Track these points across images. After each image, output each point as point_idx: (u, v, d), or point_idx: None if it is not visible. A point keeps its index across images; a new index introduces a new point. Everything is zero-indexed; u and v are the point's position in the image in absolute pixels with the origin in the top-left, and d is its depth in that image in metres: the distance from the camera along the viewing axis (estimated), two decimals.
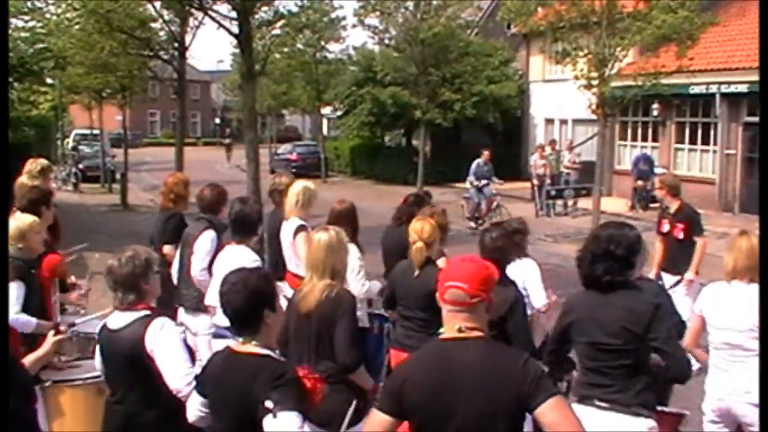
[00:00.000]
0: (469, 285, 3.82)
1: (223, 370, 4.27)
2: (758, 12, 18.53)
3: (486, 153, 25.12)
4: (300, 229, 7.92)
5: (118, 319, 4.96)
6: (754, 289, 5.87)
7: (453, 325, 3.84)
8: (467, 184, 25.50)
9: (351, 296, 5.71)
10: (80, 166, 37.71)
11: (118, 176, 32.61)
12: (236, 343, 4.34)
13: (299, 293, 5.65)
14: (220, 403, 4.26)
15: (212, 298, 7.00)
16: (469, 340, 3.80)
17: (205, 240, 7.66)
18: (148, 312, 4.94)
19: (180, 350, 4.85)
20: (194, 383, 4.56)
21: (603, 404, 5.06)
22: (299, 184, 8.41)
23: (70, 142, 45.31)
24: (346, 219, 7.70)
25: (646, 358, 5.08)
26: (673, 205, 10.66)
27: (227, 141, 52.85)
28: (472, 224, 23.69)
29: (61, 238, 8.68)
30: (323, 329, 5.46)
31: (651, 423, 5.05)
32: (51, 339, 5.40)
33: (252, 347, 4.22)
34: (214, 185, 8.35)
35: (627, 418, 5.01)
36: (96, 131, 38.70)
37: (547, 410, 3.63)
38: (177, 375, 4.74)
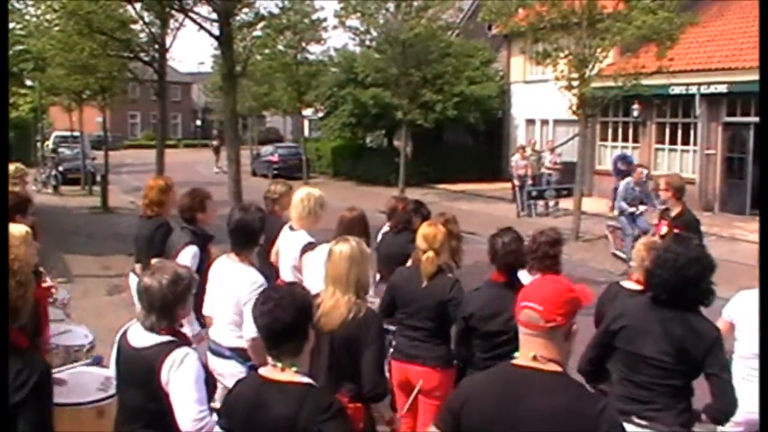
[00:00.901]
0: (545, 307, 3.48)
1: (258, 402, 3.91)
2: (758, 11, 18.54)
3: (639, 170, 20.02)
4: (308, 247, 7.48)
5: (142, 338, 4.65)
6: None
7: (528, 350, 3.52)
8: (615, 212, 21.27)
9: (379, 319, 5.50)
10: (60, 168, 37.44)
11: (98, 178, 32.37)
12: (266, 370, 4.01)
13: (320, 309, 5.19)
14: None
15: (208, 309, 6.75)
16: (544, 373, 3.47)
17: (185, 257, 7.19)
18: (172, 338, 4.61)
19: (195, 389, 4.49)
20: (214, 419, 4.32)
21: (642, 422, 4.90)
22: (302, 191, 7.90)
23: (50, 144, 45.02)
24: (358, 228, 7.24)
25: (691, 382, 4.95)
26: (676, 209, 10.47)
27: (215, 143, 50.64)
28: (626, 261, 17.49)
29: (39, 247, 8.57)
30: (345, 350, 5.19)
31: None
32: None
33: (290, 375, 3.90)
34: (194, 191, 8.00)
35: None
36: (76, 133, 38.45)
37: None
38: (188, 417, 4.44)
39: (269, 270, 7.78)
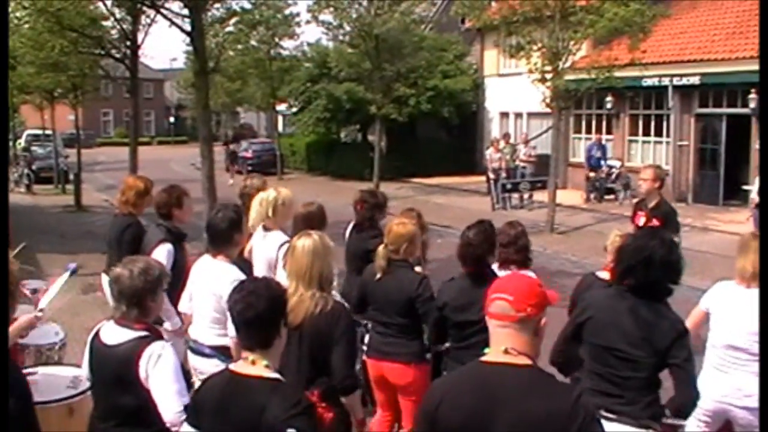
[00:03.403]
0: (516, 297, 3.50)
1: (226, 396, 3.91)
2: (759, 11, 18.63)
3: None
4: (285, 245, 7.23)
5: (114, 334, 4.66)
6: None
7: (499, 344, 3.50)
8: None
9: (347, 311, 5.45)
10: (33, 167, 37.15)
11: (71, 177, 32.14)
12: (237, 365, 4.03)
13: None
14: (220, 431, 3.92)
15: (185, 305, 6.76)
16: (515, 367, 3.45)
17: (160, 255, 7.10)
18: (146, 333, 4.62)
19: (175, 381, 4.51)
20: (182, 425, 4.27)
21: (610, 415, 4.86)
22: (271, 192, 7.79)
23: (21, 143, 44.68)
24: (315, 222, 7.20)
25: (658, 373, 4.93)
26: (654, 200, 10.34)
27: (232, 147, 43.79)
28: None
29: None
30: (314, 344, 5.17)
31: None
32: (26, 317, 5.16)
33: (260, 369, 3.89)
34: (172, 187, 8.01)
35: (635, 430, 4.88)
36: (48, 131, 38.17)
37: None
38: (170, 410, 4.43)
39: (245, 266, 7.75)
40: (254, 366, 3.90)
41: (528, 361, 3.48)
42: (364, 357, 6.90)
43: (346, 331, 5.22)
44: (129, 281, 4.58)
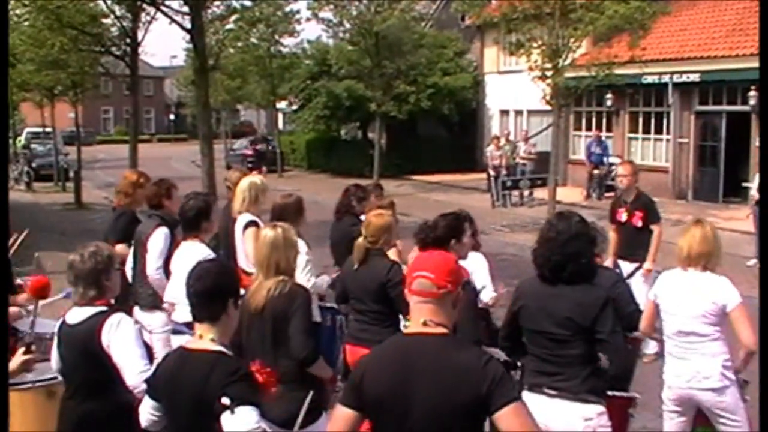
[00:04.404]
0: (437, 275, 3.71)
1: (177, 369, 4.18)
2: (759, 10, 18.63)
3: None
4: (249, 224, 7.82)
5: (77, 315, 4.95)
6: (707, 276, 5.95)
7: (419, 318, 3.73)
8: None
9: (304, 290, 5.59)
10: (33, 164, 37.22)
11: (71, 174, 32.15)
12: (189, 341, 4.32)
13: (248, 291, 5.48)
14: (174, 403, 4.17)
15: (170, 295, 6.93)
16: (430, 336, 3.68)
17: (158, 238, 7.56)
18: (105, 308, 4.93)
19: (136, 347, 4.83)
20: (145, 387, 4.46)
21: (551, 392, 5.11)
22: (245, 180, 8.29)
23: (21, 141, 44.68)
24: (290, 213, 7.36)
25: (593, 348, 5.10)
26: (632, 194, 10.51)
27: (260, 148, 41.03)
28: None
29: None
30: (279, 327, 5.33)
31: (600, 408, 5.11)
32: (20, 357, 5.20)
33: (206, 343, 4.14)
34: (160, 180, 8.34)
35: (575, 405, 5.06)
36: (48, 129, 38.21)
37: (505, 416, 3.52)
38: (133, 372, 4.73)
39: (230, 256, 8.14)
40: (201, 340, 4.18)
41: (444, 331, 3.71)
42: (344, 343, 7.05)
43: (300, 306, 5.37)
44: (81, 264, 4.91)
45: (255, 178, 8.47)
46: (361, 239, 6.82)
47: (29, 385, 5.72)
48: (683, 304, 5.99)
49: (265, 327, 5.35)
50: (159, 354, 5.59)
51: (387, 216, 6.98)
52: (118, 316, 4.87)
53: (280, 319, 5.33)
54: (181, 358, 4.23)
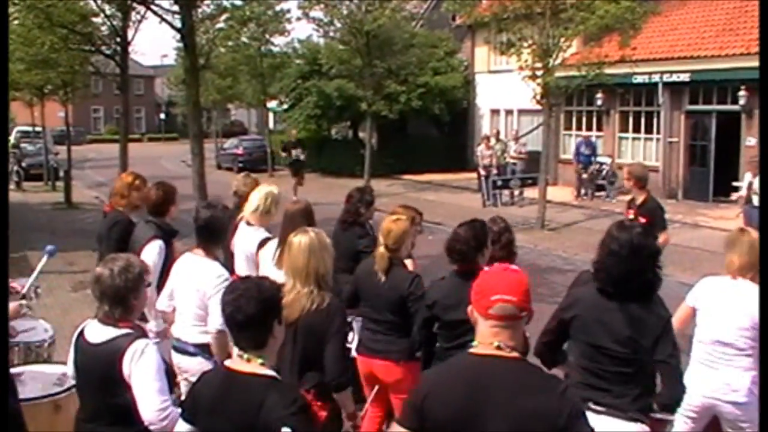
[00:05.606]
0: (518, 297, 3.49)
1: (222, 393, 3.87)
2: (758, 9, 18.63)
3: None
4: (265, 242, 7.51)
5: (98, 333, 4.61)
6: (755, 288, 5.82)
7: (492, 340, 3.49)
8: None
9: (343, 309, 5.48)
10: (23, 164, 37.11)
11: (61, 174, 32.05)
12: (232, 361, 3.99)
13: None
14: (215, 429, 3.89)
15: (162, 303, 6.69)
16: (507, 360, 3.46)
17: (152, 252, 7.15)
18: (129, 331, 4.58)
19: (156, 380, 4.47)
20: (177, 410, 4.25)
21: (598, 408, 4.92)
22: (263, 189, 7.96)
23: (11, 140, 44.56)
24: (301, 219, 7.06)
25: (647, 368, 4.95)
26: (640, 197, 10.47)
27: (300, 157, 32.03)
28: None
29: None
30: (308, 340, 5.19)
31: (645, 428, 4.97)
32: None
33: (255, 367, 3.86)
34: (161, 184, 7.94)
35: (622, 423, 4.91)
36: (38, 128, 38.09)
37: None
38: (151, 408, 4.41)
39: (227, 258, 7.81)
40: (249, 363, 3.87)
41: (518, 355, 3.50)
42: (354, 353, 6.86)
43: (340, 328, 5.25)
44: (110, 281, 4.54)
45: (272, 188, 8.08)
46: (381, 249, 6.54)
47: (39, 401, 5.63)
48: (728, 315, 5.87)
49: (297, 341, 5.20)
50: None
51: (404, 220, 6.71)
52: (143, 343, 4.52)
53: (315, 337, 5.17)
54: (227, 380, 3.92)
